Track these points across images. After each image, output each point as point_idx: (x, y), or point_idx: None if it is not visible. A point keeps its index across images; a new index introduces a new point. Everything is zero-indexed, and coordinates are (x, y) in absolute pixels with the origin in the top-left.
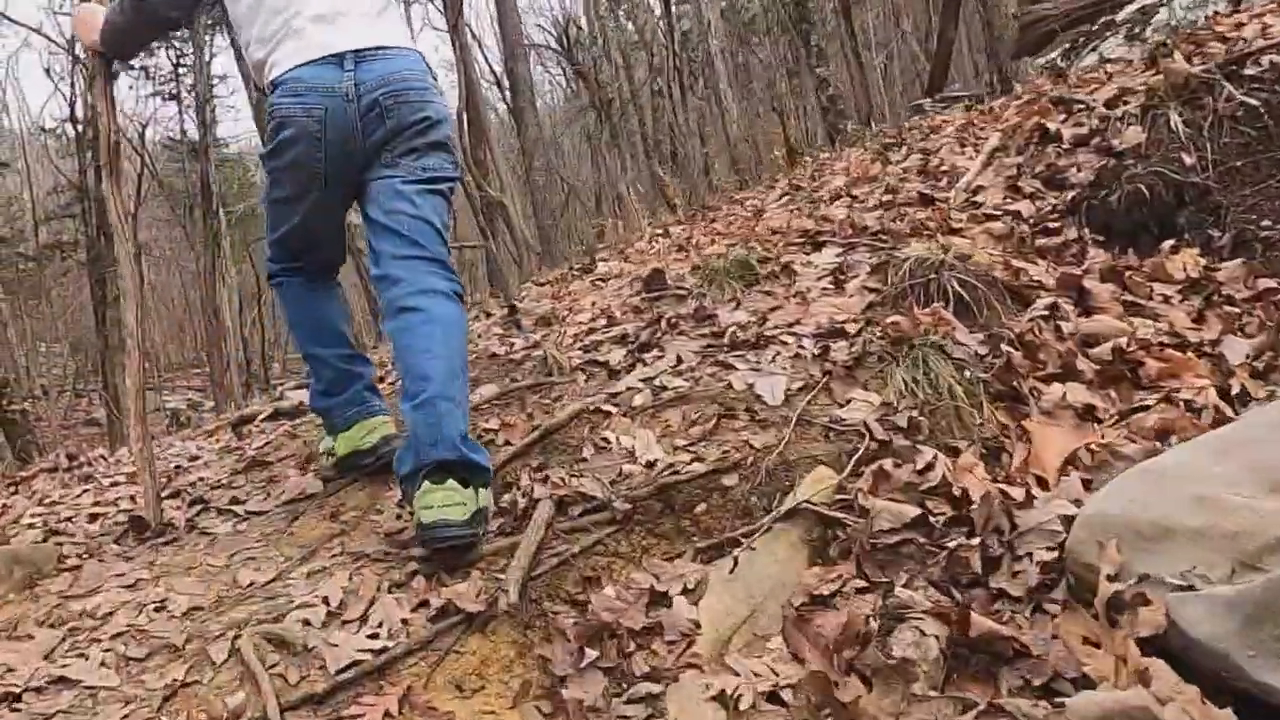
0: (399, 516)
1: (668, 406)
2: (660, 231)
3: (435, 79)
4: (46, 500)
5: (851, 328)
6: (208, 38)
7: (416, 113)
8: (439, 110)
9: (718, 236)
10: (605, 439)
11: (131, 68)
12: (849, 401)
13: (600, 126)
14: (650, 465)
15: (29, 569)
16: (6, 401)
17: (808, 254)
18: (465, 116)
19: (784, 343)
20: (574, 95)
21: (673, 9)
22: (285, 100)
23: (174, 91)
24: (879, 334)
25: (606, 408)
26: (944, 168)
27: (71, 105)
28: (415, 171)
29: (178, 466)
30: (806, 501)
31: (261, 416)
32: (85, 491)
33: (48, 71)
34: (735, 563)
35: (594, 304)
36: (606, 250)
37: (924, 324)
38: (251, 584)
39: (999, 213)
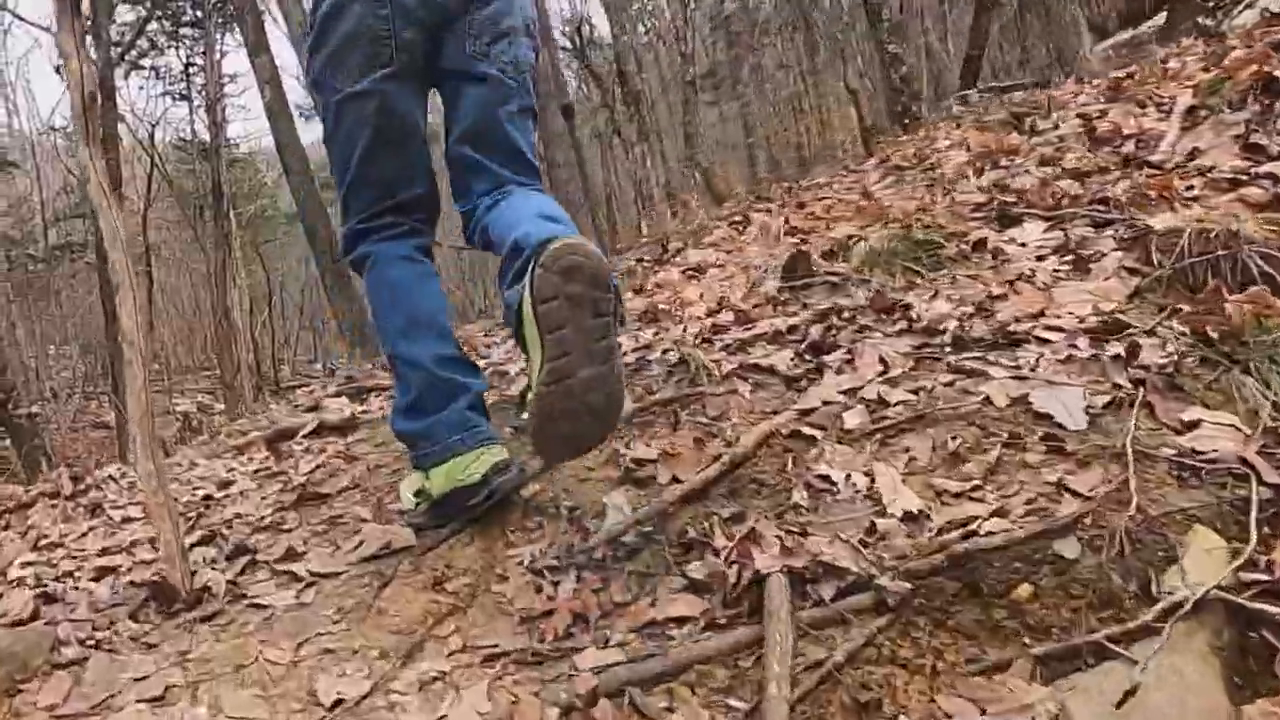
0: (536, 589)
1: (903, 430)
2: (737, 219)
3: None
4: (42, 541)
5: (1138, 321)
6: (219, 36)
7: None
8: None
9: (831, 220)
10: (823, 476)
11: (141, 67)
12: (1193, 425)
13: (610, 125)
14: (912, 519)
15: (8, 667)
16: (13, 406)
17: (999, 230)
18: None
19: (1041, 341)
20: (585, 97)
21: None
22: None
23: (184, 91)
24: (1179, 328)
25: (806, 430)
26: (1126, 132)
27: None
28: (506, 69)
29: (207, 497)
30: (1216, 587)
31: (304, 431)
32: (91, 529)
33: (58, 70)
34: (1128, 693)
35: (702, 296)
36: (673, 241)
37: (1257, 313)
38: (339, 703)
39: (1245, 177)
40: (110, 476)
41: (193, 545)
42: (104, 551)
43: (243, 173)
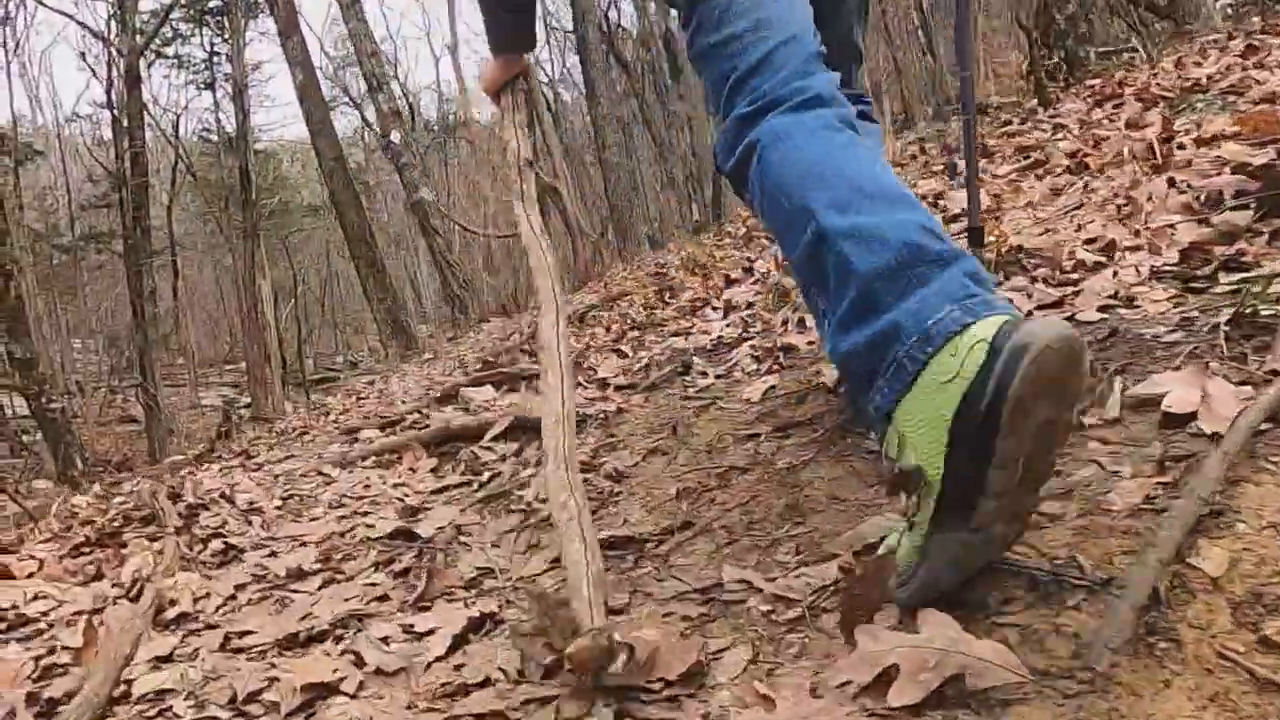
0: None
1: None
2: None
3: None
4: (169, 616)
5: None
6: (244, 22)
7: None
8: None
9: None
10: None
11: (166, 56)
12: None
13: (644, 112)
14: None
15: None
16: (46, 400)
17: None
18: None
19: None
20: (610, 87)
21: None
22: None
23: (208, 80)
24: None
25: None
26: None
27: (109, 91)
28: None
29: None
30: None
31: (494, 431)
32: (243, 594)
33: (83, 56)
34: None
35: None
36: None
37: None
38: None
39: None
40: (223, 495)
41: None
42: (290, 643)
43: (264, 166)
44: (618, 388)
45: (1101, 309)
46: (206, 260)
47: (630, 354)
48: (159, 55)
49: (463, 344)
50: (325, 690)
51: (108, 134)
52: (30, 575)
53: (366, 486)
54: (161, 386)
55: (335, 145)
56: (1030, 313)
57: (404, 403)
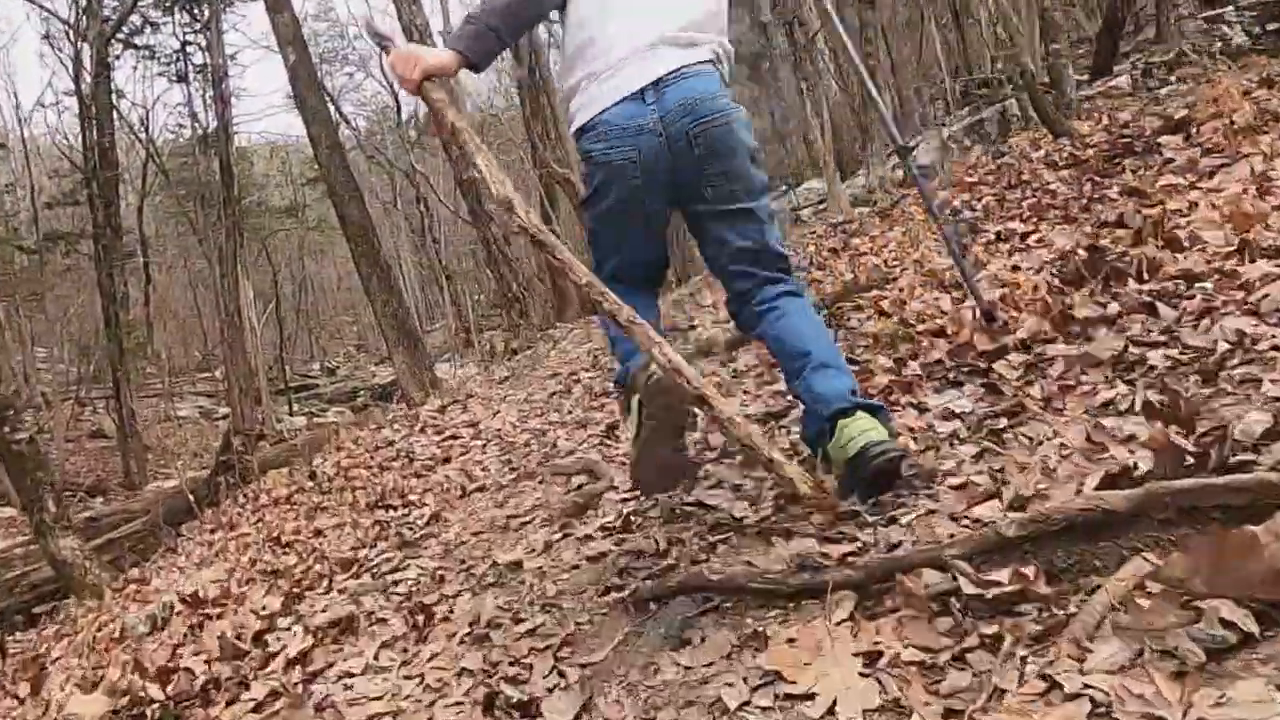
0: None
1: None
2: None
3: (727, 81)
4: None
5: None
6: (222, 5)
7: (724, 138)
8: (740, 126)
9: None
10: None
11: (135, 47)
12: None
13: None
14: None
15: None
16: (10, 430)
17: None
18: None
19: None
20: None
21: None
22: (595, 146)
23: (181, 72)
24: None
25: None
26: None
27: (76, 78)
28: (734, 200)
29: None
30: None
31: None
32: None
33: (47, 40)
34: None
35: None
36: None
37: None
38: None
39: None
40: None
41: None
42: None
43: (237, 165)
44: None
45: None
46: (179, 264)
47: None
48: (128, 46)
49: (543, 359)
50: None
51: (73, 130)
52: None
53: None
54: (136, 398)
55: (332, 132)
56: None
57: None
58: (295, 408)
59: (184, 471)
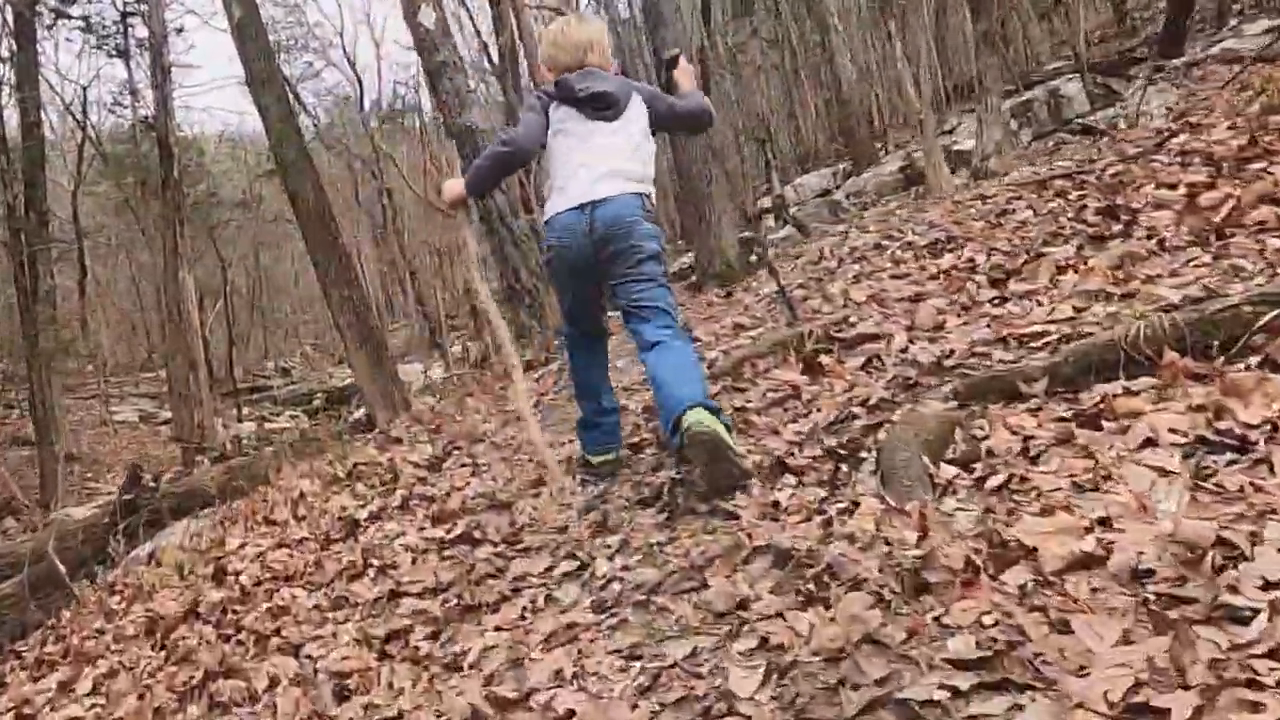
0: None
1: None
2: None
3: (649, 210)
4: None
5: None
6: None
7: (632, 241)
8: (647, 236)
9: None
10: None
11: (70, 16)
12: None
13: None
14: None
15: None
16: None
17: None
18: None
19: None
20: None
21: None
22: (550, 234)
23: (120, 46)
24: None
25: None
26: None
27: None
28: (638, 275)
29: None
30: None
31: None
32: None
33: None
34: None
35: None
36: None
37: None
38: None
39: None
40: None
41: None
42: None
43: (184, 153)
44: None
45: None
46: (120, 257)
47: None
48: (60, 15)
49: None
50: None
51: None
52: None
53: None
54: (59, 403)
55: (283, 98)
56: None
57: None
58: (247, 411)
59: (76, 504)
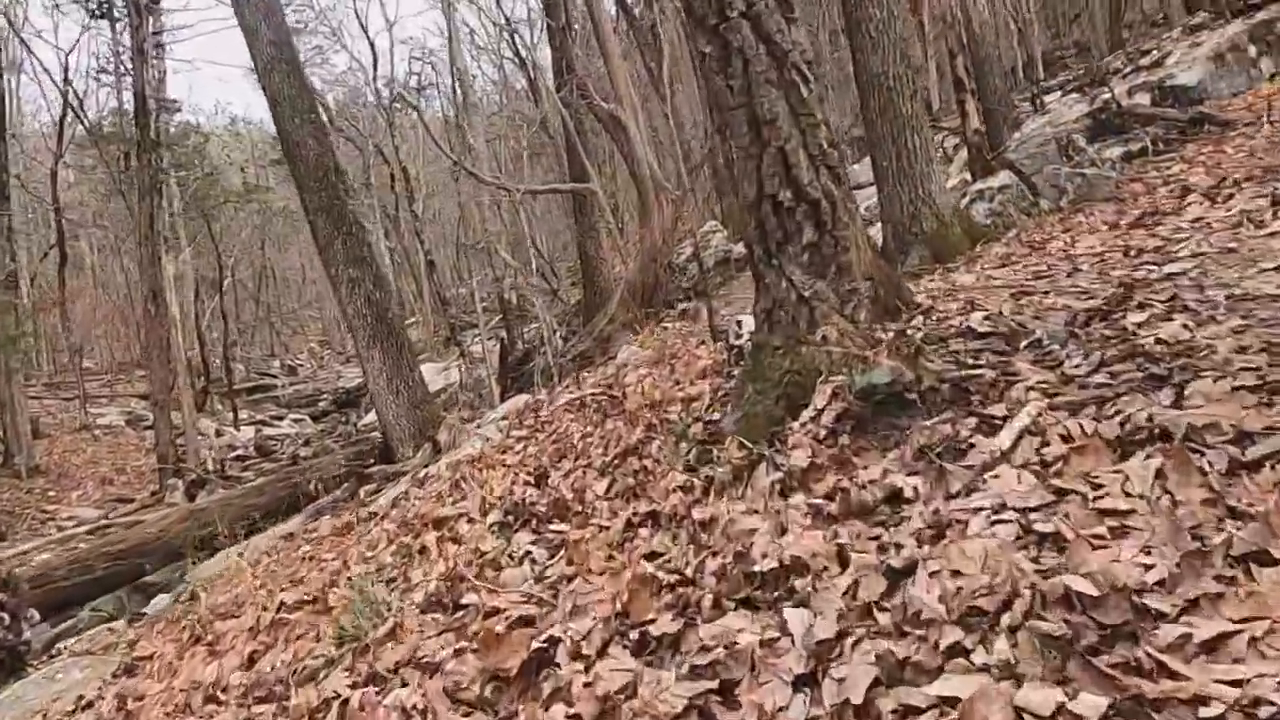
0: None
1: None
2: None
3: None
4: None
5: None
6: None
7: None
8: None
9: None
10: None
11: None
12: None
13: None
14: None
15: None
16: None
17: None
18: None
19: None
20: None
21: None
22: None
23: (104, 6)
24: None
25: None
26: None
27: None
28: None
29: None
30: None
31: None
32: None
33: None
34: None
35: None
36: None
37: None
38: None
39: None
40: None
41: None
42: None
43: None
44: None
45: None
46: (112, 241)
47: None
48: None
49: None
50: None
51: None
52: None
53: None
54: (23, 408)
55: (280, 26)
56: None
57: None
58: (245, 414)
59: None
